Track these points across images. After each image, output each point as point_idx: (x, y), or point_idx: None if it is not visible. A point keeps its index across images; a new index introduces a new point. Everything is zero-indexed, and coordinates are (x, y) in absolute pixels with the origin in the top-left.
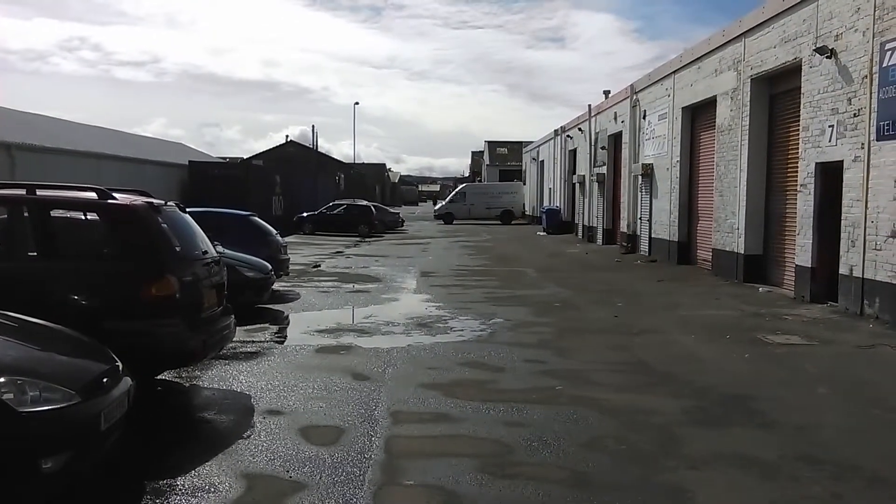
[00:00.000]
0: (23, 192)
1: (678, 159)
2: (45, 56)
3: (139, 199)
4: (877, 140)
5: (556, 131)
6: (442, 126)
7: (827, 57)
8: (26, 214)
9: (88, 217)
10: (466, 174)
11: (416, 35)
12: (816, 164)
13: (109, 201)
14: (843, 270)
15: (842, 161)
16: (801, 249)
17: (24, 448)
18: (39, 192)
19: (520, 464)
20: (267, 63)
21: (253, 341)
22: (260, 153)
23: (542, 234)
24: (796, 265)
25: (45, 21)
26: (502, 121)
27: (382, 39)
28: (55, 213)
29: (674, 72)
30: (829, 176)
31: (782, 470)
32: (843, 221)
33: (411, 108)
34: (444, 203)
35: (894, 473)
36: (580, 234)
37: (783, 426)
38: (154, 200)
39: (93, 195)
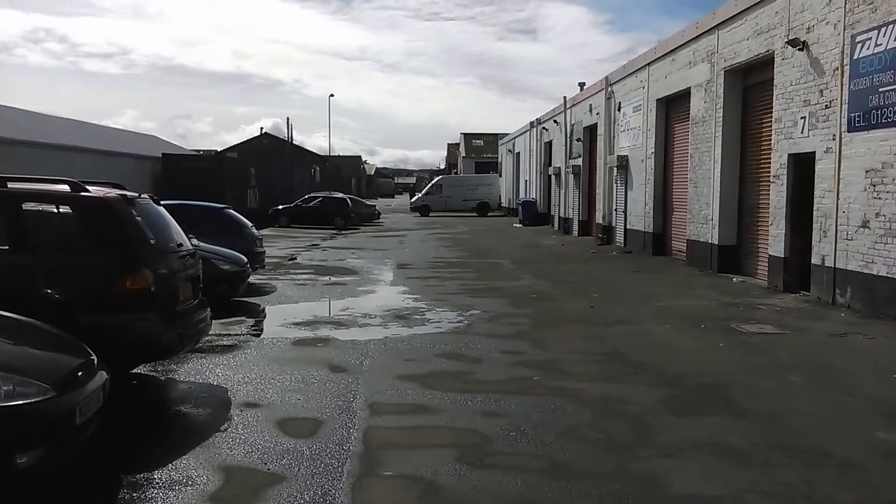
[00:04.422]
0: None
1: (653, 151)
2: (10, 48)
3: (113, 192)
4: (848, 131)
5: (531, 123)
6: (416, 118)
7: (799, 49)
8: None
9: (61, 210)
10: (442, 166)
11: (387, 27)
12: (789, 155)
13: (82, 194)
14: (815, 260)
15: (814, 152)
16: (774, 240)
17: None
18: (10, 185)
19: (497, 454)
20: (238, 55)
21: (229, 334)
22: (234, 146)
23: (518, 225)
24: (769, 255)
25: (9, 12)
26: (476, 113)
27: (353, 31)
28: (27, 206)
29: (648, 64)
30: (802, 167)
31: (756, 457)
32: (815, 212)
33: (384, 100)
34: (420, 195)
35: (865, 459)
36: (556, 225)
37: (756, 414)
38: (128, 193)
39: (65, 188)
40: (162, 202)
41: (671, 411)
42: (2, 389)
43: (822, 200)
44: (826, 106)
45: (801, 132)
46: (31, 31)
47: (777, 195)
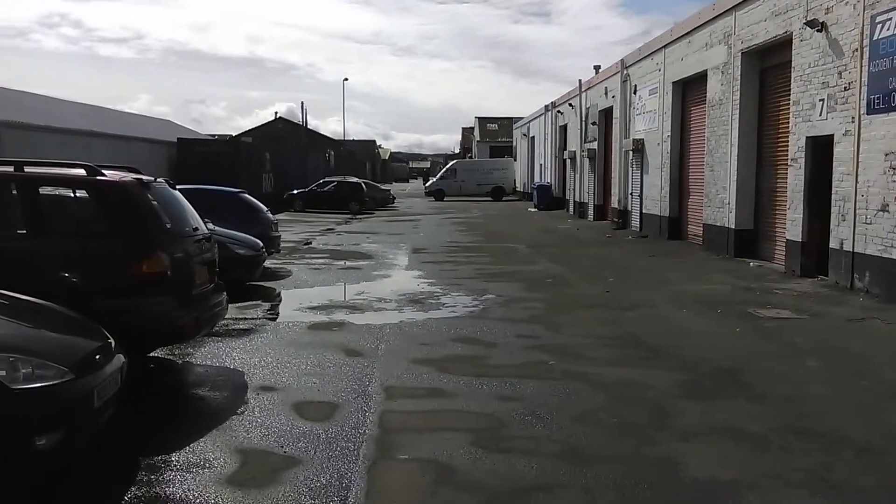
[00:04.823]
0: (10, 169)
1: (669, 134)
2: (26, 33)
3: (129, 176)
4: (867, 114)
5: (546, 107)
6: (430, 102)
7: (818, 30)
8: (14, 192)
9: (78, 194)
10: (457, 150)
11: (400, 10)
12: (807, 138)
13: (99, 178)
14: (833, 244)
15: (832, 135)
16: (792, 224)
17: (17, 426)
18: (27, 169)
19: (513, 438)
20: (251, 39)
21: (245, 318)
22: (249, 130)
23: (533, 210)
24: (787, 240)
25: None
26: (490, 96)
27: (366, 14)
28: (44, 190)
29: (664, 46)
30: (820, 150)
31: (773, 442)
32: (833, 195)
33: (398, 84)
34: (434, 180)
35: (882, 444)
36: (571, 210)
37: (773, 399)
38: (144, 177)
39: (82, 172)
40: (178, 187)
41: (687, 395)
42: (21, 372)
43: (841, 184)
44: (845, 88)
45: (820, 115)
46: (46, 16)
47: (795, 179)
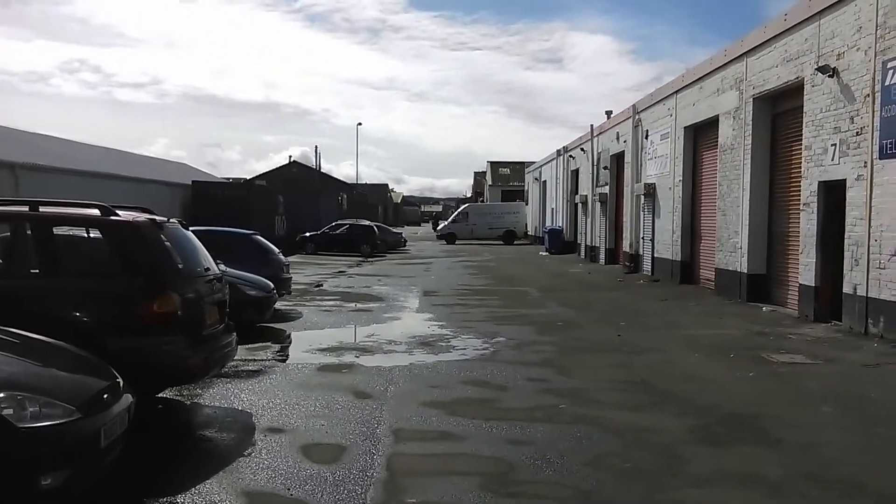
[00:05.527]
0: (26, 208)
1: (681, 178)
2: (47, 78)
3: (142, 216)
4: (879, 158)
5: (558, 151)
6: (442, 147)
7: (829, 76)
8: (29, 231)
9: (91, 234)
10: (469, 195)
11: (415, 56)
12: (819, 182)
13: (112, 218)
14: (846, 289)
15: (845, 180)
16: (805, 268)
17: (23, 464)
18: (42, 209)
19: (523, 482)
20: (267, 84)
21: (255, 359)
22: (263, 173)
23: (544, 254)
24: (800, 284)
25: (46, 43)
26: (502, 141)
27: (381, 61)
28: (58, 229)
29: (675, 91)
30: (833, 194)
31: (788, 488)
32: (846, 240)
33: (412, 128)
34: (446, 223)
35: None
36: (583, 254)
37: (788, 444)
38: (156, 217)
39: (95, 212)
40: (191, 228)
41: (700, 441)
42: (28, 410)
43: (854, 228)
44: (857, 133)
45: (832, 159)
46: (66, 62)
47: (807, 223)
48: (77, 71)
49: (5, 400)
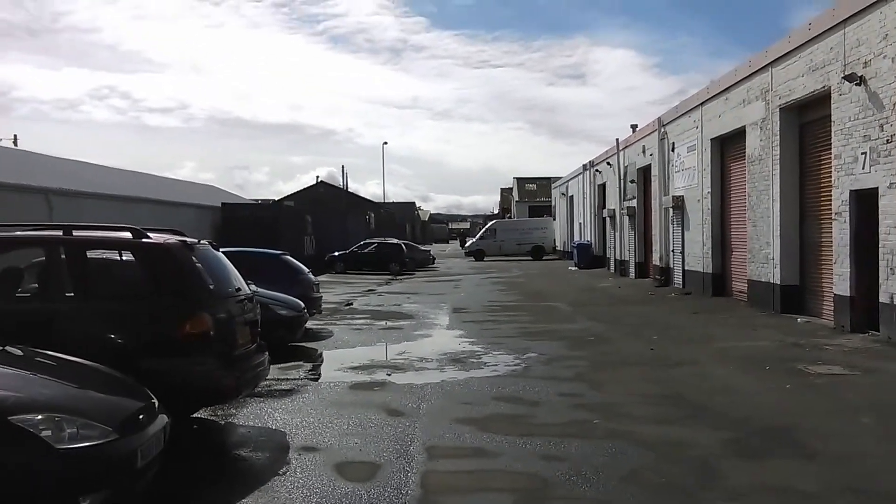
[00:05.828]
0: (59, 233)
1: (709, 190)
2: (76, 105)
3: (173, 238)
4: None
5: (584, 166)
6: (467, 164)
7: (856, 84)
8: (63, 256)
9: (124, 256)
10: (496, 211)
11: (437, 75)
12: (851, 191)
13: (144, 240)
14: (883, 299)
15: (877, 188)
16: (839, 278)
17: (61, 485)
18: (76, 233)
19: (558, 498)
20: (292, 106)
21: (287, 379)
22: (291, 194)
23: (573, 269)
24: (835, 294)
25: (75, 71)
26: (527, 157)
27: (404, 80)
28: (91, 253)
29: (701, 103)
30: (865, 203)
31: (826, 501)
32: (880, 249)
33: (436, 146)
34: (474, 240)
35: None
36: (612, 268)
37: (826, 457)
38: (187, 239)
39: (127, 235)
40: (221, 249)
41: (736, 454)
42: (66, 432)
43: (888, 237)
44: (887, 140)
45: (863, 168)
46: (95, 89)
47: (840, 233)
48: (106, 97)
49: (44, 422)
